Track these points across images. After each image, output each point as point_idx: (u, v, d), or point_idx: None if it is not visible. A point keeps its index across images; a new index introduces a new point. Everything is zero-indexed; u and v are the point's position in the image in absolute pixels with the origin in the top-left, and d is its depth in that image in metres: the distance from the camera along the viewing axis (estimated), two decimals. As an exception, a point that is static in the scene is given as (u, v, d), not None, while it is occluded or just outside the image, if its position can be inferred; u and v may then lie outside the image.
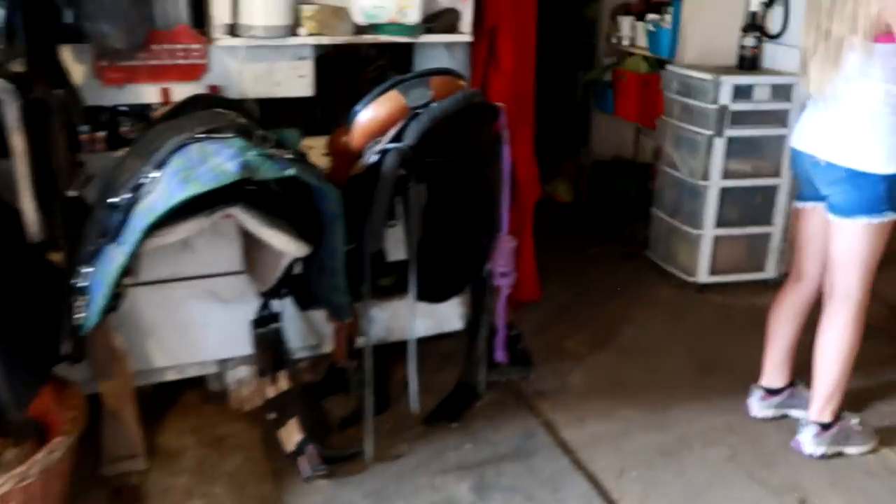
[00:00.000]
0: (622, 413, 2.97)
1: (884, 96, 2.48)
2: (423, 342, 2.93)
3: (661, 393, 3.11)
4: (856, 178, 2.52)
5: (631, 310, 3.80)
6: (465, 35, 3.06)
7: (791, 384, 2.96)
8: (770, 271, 4.08)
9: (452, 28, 3.03)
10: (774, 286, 3.35)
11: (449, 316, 3.20)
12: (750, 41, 3.96)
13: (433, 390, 2.90)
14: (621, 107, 4.72)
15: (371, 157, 2.44)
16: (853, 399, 2.89)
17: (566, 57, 5.35)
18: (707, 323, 3.73)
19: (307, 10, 2.76)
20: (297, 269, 2.61)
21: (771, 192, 3.98)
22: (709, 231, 3.95)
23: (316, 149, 2.78)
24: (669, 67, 4.09)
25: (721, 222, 3.95)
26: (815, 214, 2.73)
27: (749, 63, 3.98)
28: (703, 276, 4.01)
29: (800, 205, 2.81)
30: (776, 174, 3.95)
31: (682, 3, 4.11)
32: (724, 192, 3.91)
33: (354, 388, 2.82)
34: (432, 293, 2.73)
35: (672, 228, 4.13)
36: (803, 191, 2.78)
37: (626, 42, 4.68)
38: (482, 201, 2.72)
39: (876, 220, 2.54)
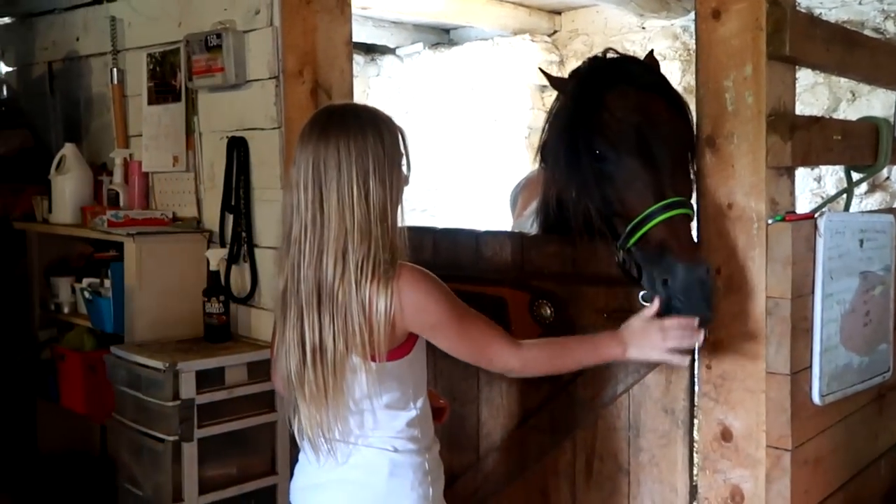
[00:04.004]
0: None
1: (405, 432, 1.76)
2: None
3: None
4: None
5: None
6: None
7: None
8: None
9: None
10: None
11: None
12: (215, 307, 3.13)
13: None
14: (67, 395, 3.52)
15: None
16: None
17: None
18: None
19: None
20: None
21: (267, 495, 3.07)
22: (192, 568, 2.89)
23: None
24: (114, 350, 3.05)
25: (207, 552, 2.92)
26: None
27: (219, 334, 3.13)
28: None
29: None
30: (271, 471, 3.08)
31: (126, 265, 3.17)
32: (206, 511, 2.91)
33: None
34: None
35: (144, 568, 2.98)
36: None
37: (66, 310, 3.59)
38: None
39: None
